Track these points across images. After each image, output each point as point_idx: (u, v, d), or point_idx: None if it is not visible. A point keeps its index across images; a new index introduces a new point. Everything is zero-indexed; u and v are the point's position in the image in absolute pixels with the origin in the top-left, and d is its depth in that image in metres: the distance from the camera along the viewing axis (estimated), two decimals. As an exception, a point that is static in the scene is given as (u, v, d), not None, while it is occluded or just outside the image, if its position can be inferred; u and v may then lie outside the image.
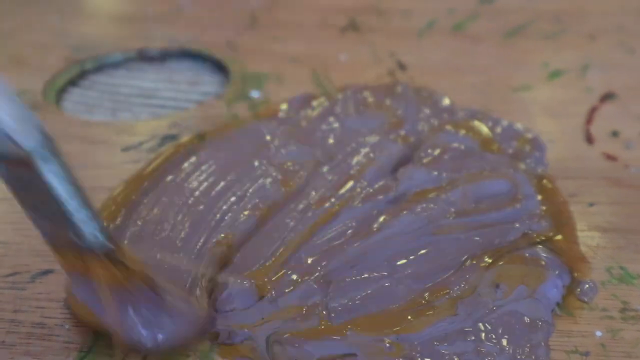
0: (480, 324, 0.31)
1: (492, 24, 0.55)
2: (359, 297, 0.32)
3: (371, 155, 0.40)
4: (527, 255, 0.34)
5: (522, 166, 0.40)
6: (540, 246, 0.35)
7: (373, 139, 0.42)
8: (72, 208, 0.27)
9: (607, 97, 0.46)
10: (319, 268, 0.34)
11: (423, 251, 0.35)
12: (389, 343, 0.30)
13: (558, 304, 0.32)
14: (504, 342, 0.30)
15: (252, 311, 0.32)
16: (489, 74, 0.49)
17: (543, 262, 0.34)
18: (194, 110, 0.47)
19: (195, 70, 0.53)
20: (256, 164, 0.40)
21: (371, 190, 0.38)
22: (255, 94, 0.48)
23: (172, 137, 0.44)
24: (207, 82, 0.51)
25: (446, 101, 0.46)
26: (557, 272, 0.33)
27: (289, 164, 0.40)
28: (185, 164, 0.41)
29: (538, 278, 0.33)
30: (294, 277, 0.33)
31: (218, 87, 0.51)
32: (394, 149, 0.41)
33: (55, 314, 0.33)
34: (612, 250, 0.35)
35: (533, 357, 0.30)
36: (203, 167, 0.40)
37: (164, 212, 0.37)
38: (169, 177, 0.40)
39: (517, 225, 0.36)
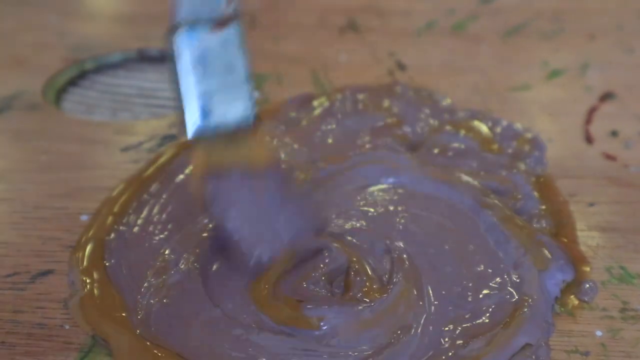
0: None
1: (491, 23, 0.55)
2: None
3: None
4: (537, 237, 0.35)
5: (522, 166, 0.40)
6: (547, 237, 0.35)
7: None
8: (247, 74, 0.32)
9: (606, 96, 0.46)
10: None
11: None
12: None
13: (557, 299, 0.32)
14: None
15: None
16: (489, 73, 0.49)
17: (547, 251, 0.34)
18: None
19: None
20: None
21: None
22: (254, 94, 0.48)
23: (171, 137, 0.44)
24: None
25: (446, 101, 0.46)
26: (561, 262, 0.33)
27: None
28: (187, 165, 0.41)
29: (541, 263, 0.33)
30: None
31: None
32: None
33: (56, 314, 0.33)
34: (611, 249, 0.35)
35: (533, 357, 0.30)
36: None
37: (164, 211, 0.38)
38: (171, 178, 0.40)
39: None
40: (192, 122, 0.32)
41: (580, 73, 0.49)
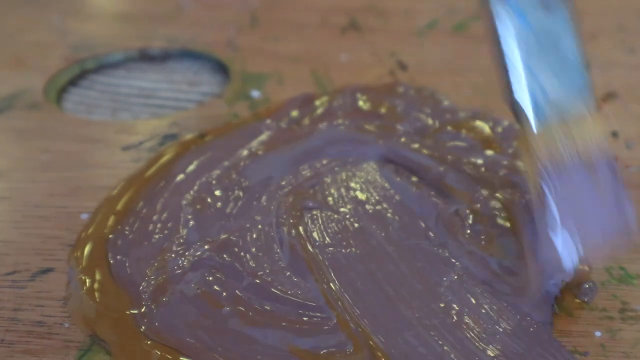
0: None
1: (492, 23, 0.55)
2: None
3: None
4: None
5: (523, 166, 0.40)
6: None
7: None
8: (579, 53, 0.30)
9: (607, 97, 0.46)
10: None
11: None
12: None
13: (557, 298, 0.32)
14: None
15: None
16: (490, 73, 0.49)
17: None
18: (195, 110, 0.47)
19: (195, 71, 0.53)
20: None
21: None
22: (255, 94, 0.48)
23: (172, 137, 0.44)
24: (207, 83, 0.51)
25: (447, 101, 0.46)
26: None
27: None
28: (187, 164, 0.41)
29: None
30: None
31: (218, 87, 0.51)
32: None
33: (55, 312, 0.33)
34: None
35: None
36: (204, 166, 0.41)
37: (165, 210, 0.38)
38: (172, 177, 0.40)
39: None
40: (527, 108, 0.30)
41: (581, 73, 0.49)
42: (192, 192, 0.39)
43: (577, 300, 0.33)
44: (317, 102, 0.46)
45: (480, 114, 0.44)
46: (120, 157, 0.42)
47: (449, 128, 0.43)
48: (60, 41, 0.55)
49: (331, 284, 0.33)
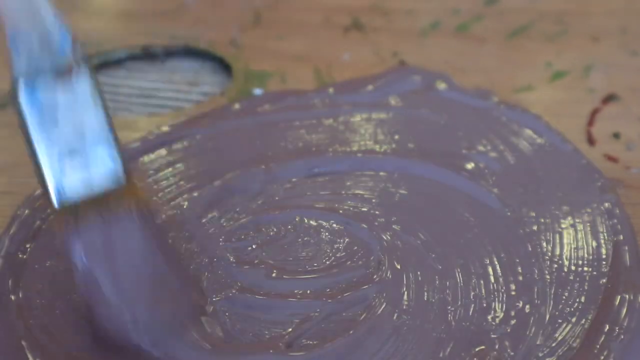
0: None
1: (495, 24, 0.55)
2: None
3: None
4: None
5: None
6: None
7: None
8: (105, 128, 0.28)
9: (609, 98, 0.46)
10: None
11: None
12: None
13: None
14: None
15: None
16: (492, 74, 0.49)
17: None
18: (197, 108, 0.47)
19: (196, 71, 0.53)
20: None
21: None
22: (258, 92, 0.48)
23: (174, 134, 0.44)
24: (208, 83, 0.51)
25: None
26: None
27: None
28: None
29: None
30: None
31: (218, 87, 0.51)
32: None
33: (55, 307, 0.33)
34: (612, 251, 0.35)
35: None
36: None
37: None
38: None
39: None
40: (52, 192, 0.28)
41: (583, 75, 0.49)
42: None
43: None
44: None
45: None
46: (121, 154, 0.42)
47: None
48: (63, 38, 0.55)
49: None
